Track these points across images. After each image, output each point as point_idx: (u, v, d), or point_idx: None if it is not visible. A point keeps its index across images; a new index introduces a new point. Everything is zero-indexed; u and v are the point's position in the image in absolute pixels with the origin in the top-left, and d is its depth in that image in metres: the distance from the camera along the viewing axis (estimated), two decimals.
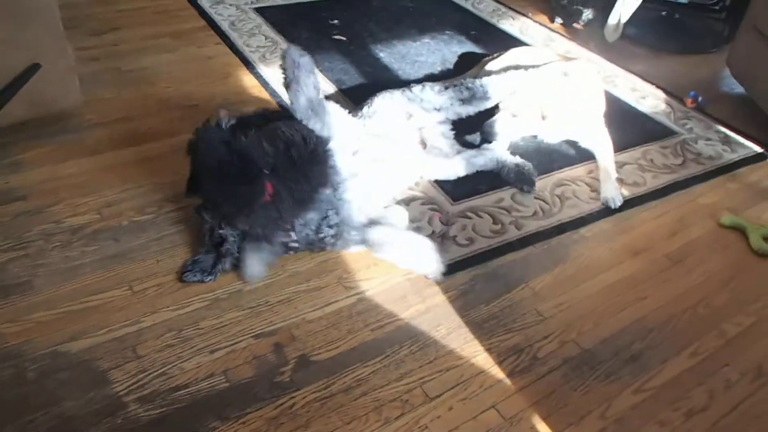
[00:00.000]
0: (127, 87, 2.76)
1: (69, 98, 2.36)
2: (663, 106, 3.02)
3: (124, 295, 1.79)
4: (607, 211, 2.28)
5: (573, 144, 2.59)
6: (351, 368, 1.64)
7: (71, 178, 2.19)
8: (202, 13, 3.50)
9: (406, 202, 2.22)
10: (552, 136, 2.57)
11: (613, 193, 2.32)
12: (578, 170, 2.49)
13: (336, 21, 3.56)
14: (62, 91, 2.31)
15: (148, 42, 3.16)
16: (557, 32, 3.70)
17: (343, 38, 3.36)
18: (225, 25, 3.38)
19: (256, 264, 1.85)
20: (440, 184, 2.31)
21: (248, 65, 3.00)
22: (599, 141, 2.53)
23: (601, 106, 2.61)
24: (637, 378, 1.69)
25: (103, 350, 1.63)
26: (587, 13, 3.73)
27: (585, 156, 2.55)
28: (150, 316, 1.73)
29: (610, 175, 2.40)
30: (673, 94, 3.13)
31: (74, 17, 3.24)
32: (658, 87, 3.18)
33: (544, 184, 2.39)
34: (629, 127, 2.84)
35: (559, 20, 3.83)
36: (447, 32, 3.51)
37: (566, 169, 2.49)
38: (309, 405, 1.54)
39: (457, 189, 2.30)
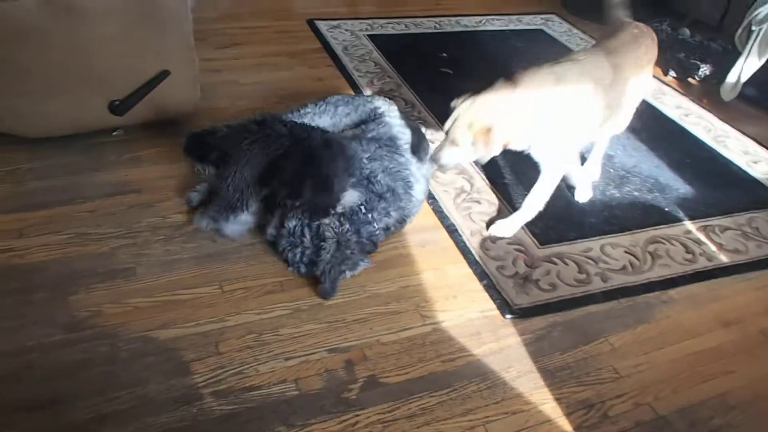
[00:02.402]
0: (241, 99, 2.94)
1: (189, 104, 2.55)
2: None
3: (214, 293, 1.90)
4: (700, 275, 2.19)
5: (669, 200, 2.52)
6: (417, 396, 1.66)
7: (181, 179, 2.36)
8: (319, 36, 3.69)
9: (492, 240, 2.23)
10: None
11: (505, 227, 2.25)
12: (675, 229, 2.41)
13: (444, 54, 3.64)
14: (185, 98, 2.50)
15: (266, 59, 3.36)
16: (669, 85, 3.61)
17: (450, 72, 3.43)
18: (338, 49, 3.53)
19: None
20: (528, 226, 2.30)
21: (356, 89, 3.12)
22: (548, 167, 2.19)
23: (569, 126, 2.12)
24: None
25: (189, 342, 1.74)
26: (704, 69, 3.62)
27: (686, 214, 2.47)
28: (234, 317, 1.83)
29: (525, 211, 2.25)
30: None
31: (202, 31, 3.48)
32: None
33: (636, 239, 2.33)
34: (736, 190, 2.72)
35: (672, 73, 3.73)
36: None
37: (662, 226, 2.42)
38: (372, 426, 1.57)
39: (545, 233, 2.28)
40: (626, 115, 2.42)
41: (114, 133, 2.53)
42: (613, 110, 2.22)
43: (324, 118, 2.38)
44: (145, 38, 2.25)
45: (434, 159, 2.10)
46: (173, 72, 2.36)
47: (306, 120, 2.34)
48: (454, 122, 2.00)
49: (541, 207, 2.23)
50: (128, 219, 2.13)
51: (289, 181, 1.98)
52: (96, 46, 2.18)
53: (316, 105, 2.44)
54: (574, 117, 2.07)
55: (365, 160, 2.11)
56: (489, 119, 1.93)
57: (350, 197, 2.01)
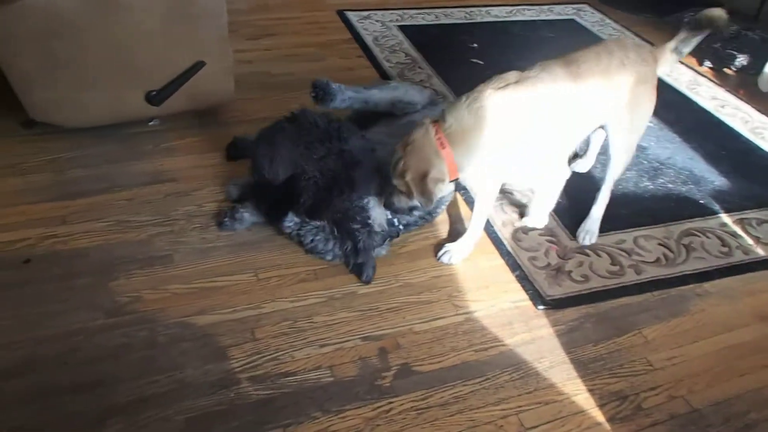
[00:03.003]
0: (273, 90, 2.97)
1: (223, 95, 2.58)
2: None
3: (249, 280, 1.93)
4: (736, 269, 2.16)
5: (704, 192, 2.49)
6: (450, 384, 1.68)
7: (215, 168, 2.40)
8: (349, 27, 3.69)
9: (524, 231, 2.23)
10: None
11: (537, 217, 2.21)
12: (710, 221, 2.38)
13: (475, 45, 3.62)
14: (219, 88, 2.53)
15: (298, 50, 3.38)
16: (705, 76, 3.54)
17: (481, 62, 3.42)
18: (369, 40, 3.54)
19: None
20: (561, 218, 2.29)
21: (387, 80, 3.12)
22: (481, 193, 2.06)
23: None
24: None
25: (225, 328, 1.77)
26: (741, 59, 3.55)
27: (722, 207, 2.44)
28: (270, 304, 1.86)
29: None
30: None
31: (234, 22, 3.49)
32: None
33: (670, 231, 2.31)
34: None
35: (708, 63, 3.66)
36: None
37: (697, 219, 2.39)
38: (405, 413, 1.59)
39: (578, 224, 2.26)
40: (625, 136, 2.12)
41: (150, 123, 2.57)
42: (581, 122, 1.98)
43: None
44: (182, 31, 2.28)
45: (388, 205, 1.95)
46: (208, 63, 2.39)
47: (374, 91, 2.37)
48: (392, 170, 1.83)
49: (557, 194, 2.18)
50: (165, 207, 2.17)
51: (314, 203, 2.00)
52: (135, 39, 2.21)
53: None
54: (526, 135, 1.83)
55: None
56: (422, 165, 1.76)
57: (380, 217, 2.03)
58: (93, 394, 1.56)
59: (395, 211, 1.97)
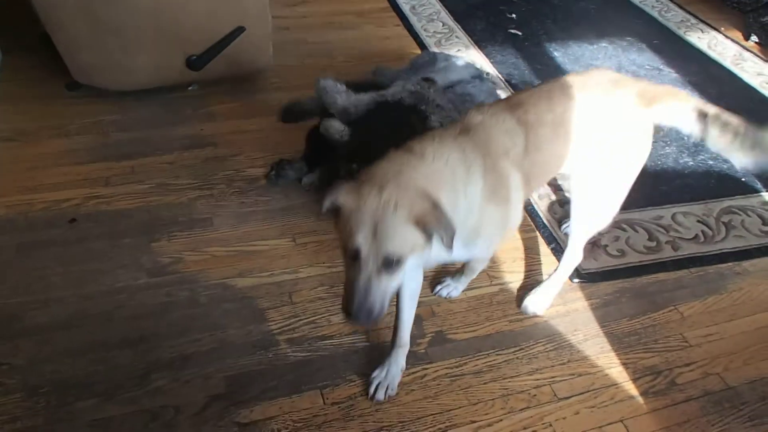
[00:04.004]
0: (310, 57, 2.97)
1: (262, 62, 2.59)
2: None
3: (287, 245, 1.96)
4: None
5: (746, 170, 2.44)
6: (484, 353, 1.69)
7: (253, 134, 2.42)
8: None
9: (560, 204, 2.22)
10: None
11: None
12: (751, 200, 2.34)
13: (513, 15, 3.56)
14: (258, 55, 2.54)
15: (334, 18, 3.36)
16: (750, 51, 3.44)
17: (519, 33, 3.36)
18: (406, 8, 3.50)
19: None
20: None
21: (423, 49, 3.09)
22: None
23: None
24: None
25: (264, 291, 1.81)
26: None
27: (764, 185, 2.40)
28: (307, 269, 1.89)
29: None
30: None
31: None
32: None
33: (710, 208, 2.27)
34: None
35: (754, 38, 3.55)
36: (627, 38, 3.39)
37: (738, 197, 2.35)
38: (440, 379, 1.62)
39: None
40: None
41: (189, 88, 2.60)
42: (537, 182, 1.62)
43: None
44: None
45: (359, 311, 1.22)
46: (248, 29, 2.39)
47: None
48: (373, 231, 1.20)
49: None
50: (204, 171, 2.21)
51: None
52: (178, 4, 2.23)
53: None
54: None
55: None
56: (427, 194, 1.23)
57: None
58: (137, 349, 1.61)
59: (379, 315, 1.25)
